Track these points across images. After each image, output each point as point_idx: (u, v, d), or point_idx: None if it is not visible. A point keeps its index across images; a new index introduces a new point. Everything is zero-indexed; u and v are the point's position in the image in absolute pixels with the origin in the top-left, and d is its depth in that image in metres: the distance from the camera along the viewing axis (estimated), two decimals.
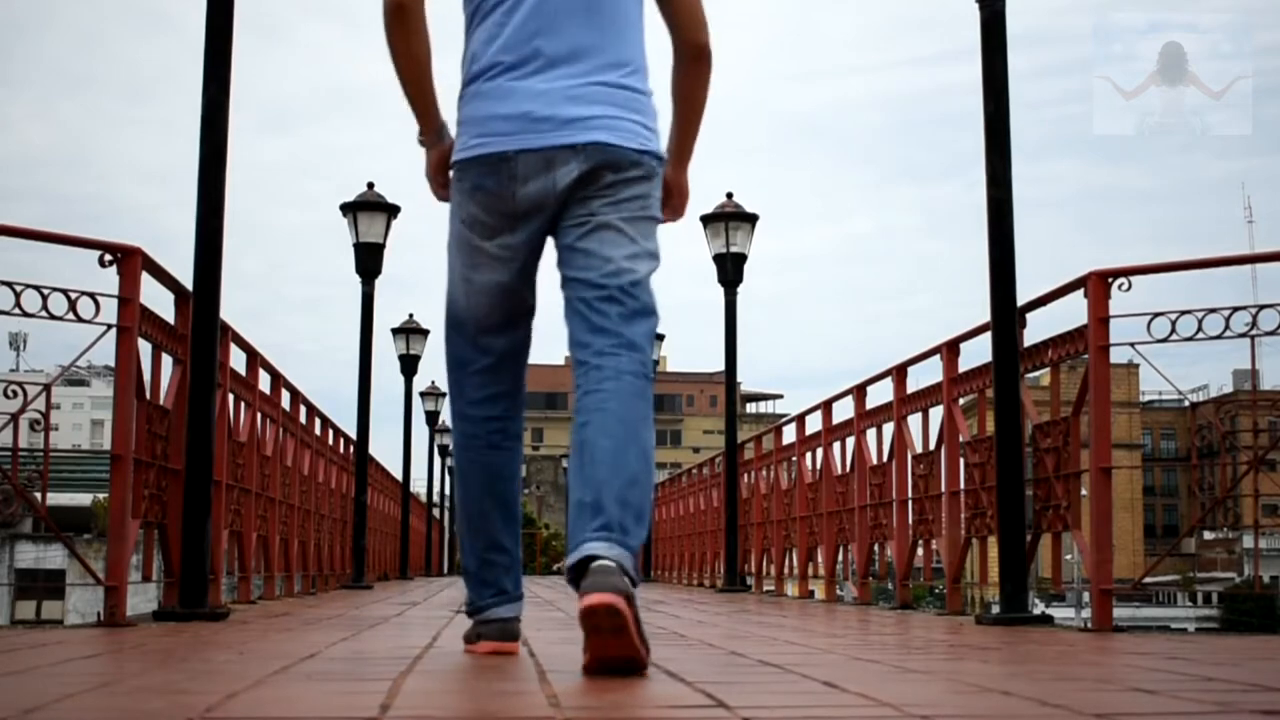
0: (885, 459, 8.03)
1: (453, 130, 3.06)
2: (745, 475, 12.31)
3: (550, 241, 2.99)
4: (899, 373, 7.88)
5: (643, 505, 2.70)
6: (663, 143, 3.04)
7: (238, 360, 7.27)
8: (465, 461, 3.11)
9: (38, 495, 4.82)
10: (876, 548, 8.49)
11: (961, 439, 6.78)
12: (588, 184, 2.86)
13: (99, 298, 4.78)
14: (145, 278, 5.02)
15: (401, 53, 3.03)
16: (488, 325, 3.04)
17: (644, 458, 2.73)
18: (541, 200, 2.89)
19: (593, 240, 2.88)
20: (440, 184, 3.12)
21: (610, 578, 2.49)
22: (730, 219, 11.56)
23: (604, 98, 2.89)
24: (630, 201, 2.88)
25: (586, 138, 2.85)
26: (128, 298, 4.89)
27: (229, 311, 5.62)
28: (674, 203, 3.14)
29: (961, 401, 7.05)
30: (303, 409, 9.78)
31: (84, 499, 30.81)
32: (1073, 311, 5.36)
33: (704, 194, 14.09)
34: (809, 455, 10.19)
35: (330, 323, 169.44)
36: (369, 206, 11.75)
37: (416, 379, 19.24)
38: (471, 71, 2.98)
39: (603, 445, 2.71)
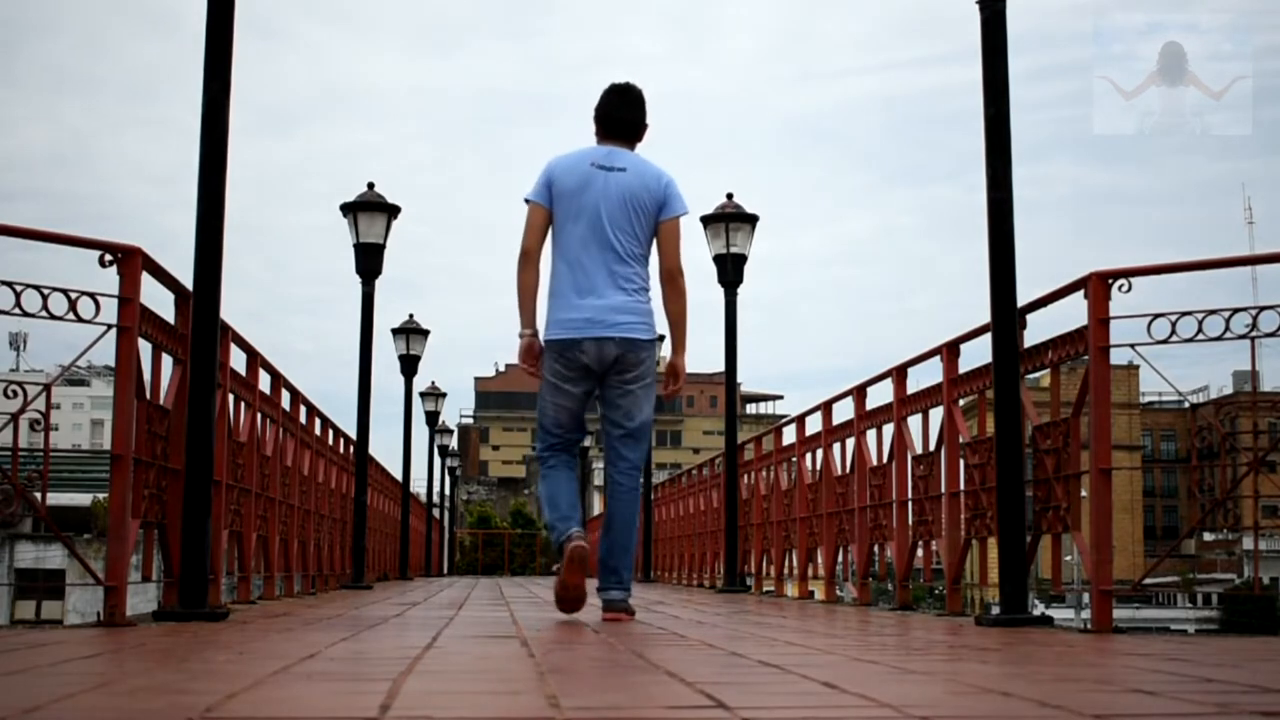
0: (885, 460, 8.03)
1: (540, 323, 5.11)
2: (745, 476, 12.31)
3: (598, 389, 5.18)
4: (899, 374, 7.88)
5: (630, 559, 5.22)
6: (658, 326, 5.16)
7: (238, 360, 7.28)
8: (548, 469, 5.20)
9: (38, 495, 4.82)
10: (876, 548, 8.48)
11: (961, 440, 6.78)
12: (621, 357, 5.02)
13: (99, 298, 4.78)
14: (145, 278, 5.02)
15: (523, 283, 5.09)
16: (565, 425, 5.24)
17: (632, 534, 5.22)
18: (596, 365, 5.04)
19: (624, 401, 5.12)
20: (528, 361, 5.14)
21: (619, 606, 5.16)
22: (730, 220, 11.54)
23: (629, 310, 5.01)
24: (643, 374, 5.08)
25: (620, 334, 5.00)
26: (128, 298, 4.89)
27: (229, 311, 5.63)
28: (674, 381, 5.34)
29: (962, 402, 7.05)
30: (303, 409, 9.78)
31: (84, 499, 30.83)
32: (1072, 313, 5.36)
33: (704, 195, 14.09)
34: (809, 456, 10.18)
35: (330, 323, 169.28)
36: (369, 206, 11.74)
37: (416, 379, 19.20)
38: (553, 290, 5.06)
39: (618, 526, 5.18)
